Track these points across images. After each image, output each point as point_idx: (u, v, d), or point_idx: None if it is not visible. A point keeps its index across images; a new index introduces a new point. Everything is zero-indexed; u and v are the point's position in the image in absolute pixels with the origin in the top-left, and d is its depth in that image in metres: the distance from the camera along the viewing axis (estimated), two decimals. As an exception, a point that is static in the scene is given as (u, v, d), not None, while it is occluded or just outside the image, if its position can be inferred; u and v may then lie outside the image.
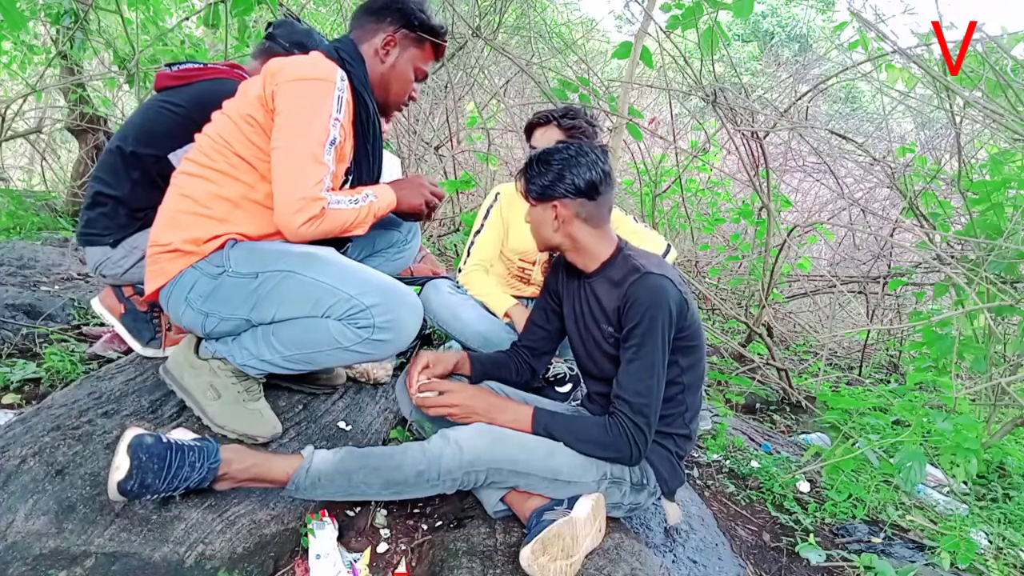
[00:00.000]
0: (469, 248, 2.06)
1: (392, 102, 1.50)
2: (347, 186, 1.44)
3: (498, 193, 2.09)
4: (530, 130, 1.97)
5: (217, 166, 1.29)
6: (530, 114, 2.10)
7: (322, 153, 1.24)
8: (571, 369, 1.93)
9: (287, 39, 1.71)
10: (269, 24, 1.80)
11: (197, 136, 1.36)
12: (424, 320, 1.41)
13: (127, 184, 1.59)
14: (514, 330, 1.85)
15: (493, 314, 1.92)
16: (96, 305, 1.72)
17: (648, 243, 1.82)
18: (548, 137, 1.89)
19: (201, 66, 1.68)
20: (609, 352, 1.36)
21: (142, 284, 1.60)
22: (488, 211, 2.07)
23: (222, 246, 1.29)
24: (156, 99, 1.66)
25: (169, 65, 1.68)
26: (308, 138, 1.23)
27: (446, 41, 1.50)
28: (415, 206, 1.47)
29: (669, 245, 2.00)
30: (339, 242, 1.46)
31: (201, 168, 1.30)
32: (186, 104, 1.59)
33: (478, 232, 2.07)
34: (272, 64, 1.29)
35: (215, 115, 1.36)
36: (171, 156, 1.58)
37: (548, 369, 1.91)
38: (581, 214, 1.34)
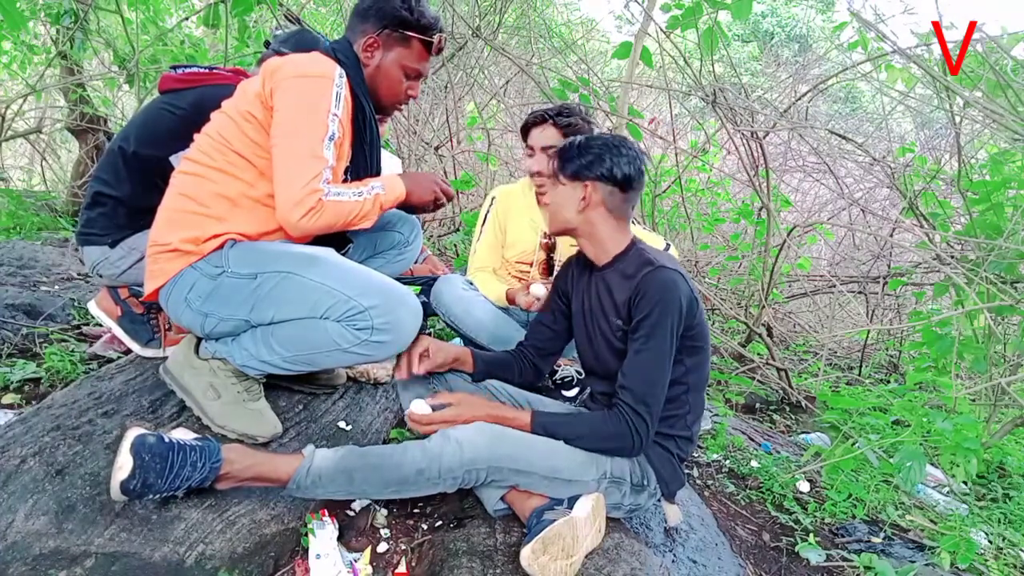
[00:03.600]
0: (472, 256, 2.10)
1: (384, 103, 1.48)
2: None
3: (493, 197, 2.12)
4: (526, 130, 1.96)
5: (216, 164, 1.29)
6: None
7: (321, 148, 1.24)
8: (579, 372, 1.93)
9: (280, 46, 1.74)
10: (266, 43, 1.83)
11: (196, 136, 1.36)
12: (424, 320, 1.41)
13: (127, 184, 1.59)
14: (523, 312, 1.88)
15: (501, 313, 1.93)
16: (93, 308, 1.72)
17: (647, 243, 1.83)
18: (545, 136, 1.89)
19: (206, 70, 1.68)
20: (616, 346, 1.36)
21: (139, 286, 1.60)
22: (486, 216, 2.10)
23: (221, 246, 1.29)
24: (159, 101, 1.66)
25: (174, 68, 1.69)
26: (306, 133, 1.24)
27: (433, 37, 1.44)
28: (425, 201, 1.46)
29: (668, 244, 2.00)
30: (340, 243, 1.46)
31: (199, 167, 1.31)
32: (189, 107, 1.59)
33: (479, 239, 2.10)
34: (271, 62, 1.29)
35: (214, 114, 1.36)
36: (172, 158, 1.58)
37: (556, 371, 1.92)
38: (608, 203, 1.34)
